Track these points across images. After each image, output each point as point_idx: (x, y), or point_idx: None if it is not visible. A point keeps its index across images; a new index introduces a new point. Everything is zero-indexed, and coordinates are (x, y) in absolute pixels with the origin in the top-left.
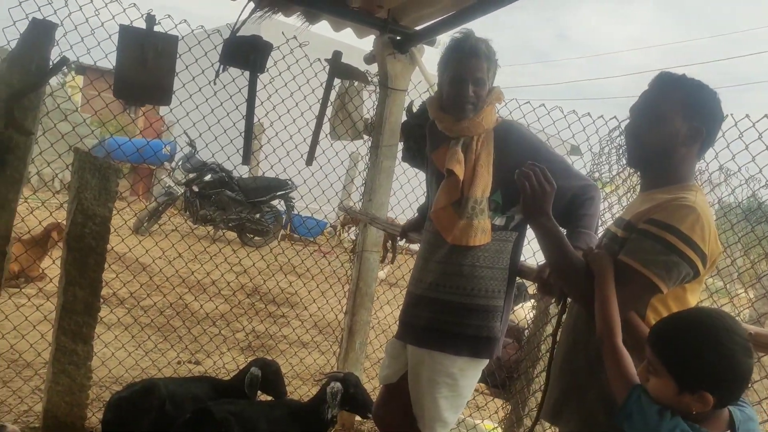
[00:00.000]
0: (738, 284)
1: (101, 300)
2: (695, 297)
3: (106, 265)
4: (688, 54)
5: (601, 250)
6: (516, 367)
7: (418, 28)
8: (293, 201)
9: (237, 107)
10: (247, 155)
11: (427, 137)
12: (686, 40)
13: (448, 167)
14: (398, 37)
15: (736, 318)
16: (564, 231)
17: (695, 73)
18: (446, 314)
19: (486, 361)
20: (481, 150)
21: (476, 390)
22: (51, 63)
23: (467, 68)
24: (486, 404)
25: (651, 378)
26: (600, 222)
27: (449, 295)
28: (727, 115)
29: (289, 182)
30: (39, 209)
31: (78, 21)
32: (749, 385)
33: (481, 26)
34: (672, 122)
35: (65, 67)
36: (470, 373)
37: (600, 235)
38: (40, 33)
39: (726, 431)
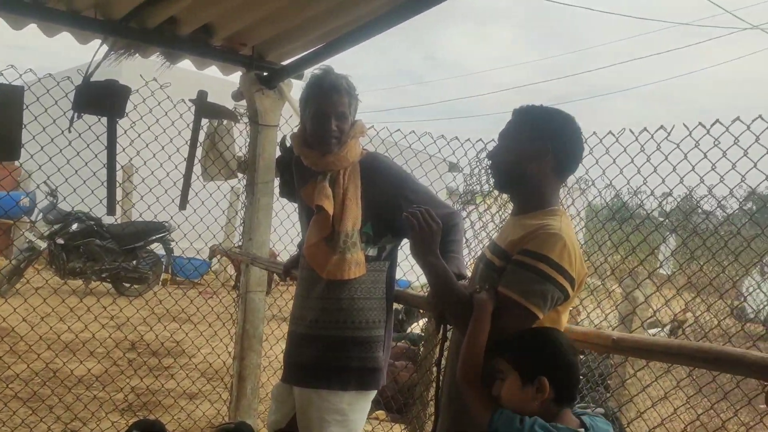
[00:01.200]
0: (612, 283)
1: None
2: (566, 316)
3: None
4: (549, 70)
5: (485, 284)
6: (411, 392)
7: (284, 63)
8: (172, 243)
9: (96, 155)
10: (112, 205)
11: (294, 173)
12: (546, 57)
13: (317, 203)
14: (265, 73)
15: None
16: None
17: (557, 86)
18: (330, 350)
19: (374, 393)
20: (348, 183)
21: (376, 418)
22: None
23: (329, 103)
24: None
25: (502, 386)
26: (476, 241)
27: (331, 330)
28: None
29: (167, 224)
30: None
31: None
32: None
33: (350, 52)
34: (518, 143)
35: None
36: (359, 406)
37: (476, 257)
38: None
39: (579, 429)
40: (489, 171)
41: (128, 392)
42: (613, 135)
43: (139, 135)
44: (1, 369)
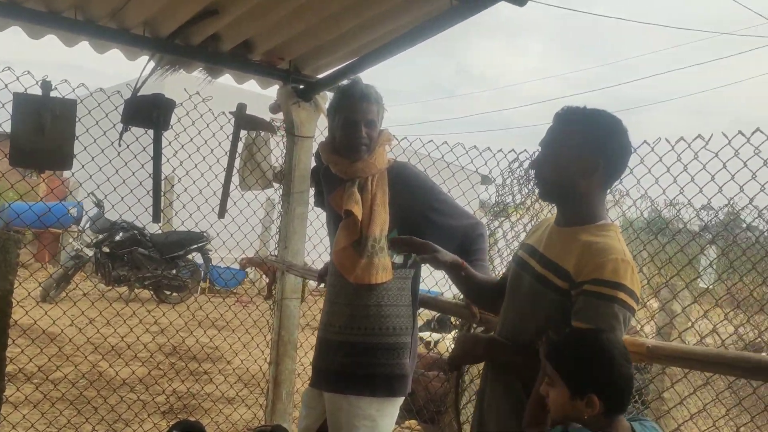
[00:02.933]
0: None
1: (5, 379)
2: None
3: (9, 341)
4: (583, 82)
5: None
6: (443, 401)
7: (320, 76)
8: (210, 253)
9: (143, 166)
10: (157, 213)
11: (322, 182)
12: (580, 69)
13: (346, 208)
14: (301, 86)
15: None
16: None
17: (590, 99)
18: (358, 356)
19: (401, 399)
20: (376, 190)
21: (408, 428)
22: None
23: (359, 111)
24: None
25: (550, 391)
26: (509, 251)
27: (359, 337)
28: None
29: (205, 234)
30: None
31: None
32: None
33: (381, 66)
34: (566, 155)
35: None
36: (388, 412)
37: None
38: None
39: None
40: (534, 181)
41: (169, 395)
42: (648, 145)
43: (183, 146)
44: (49, 371)
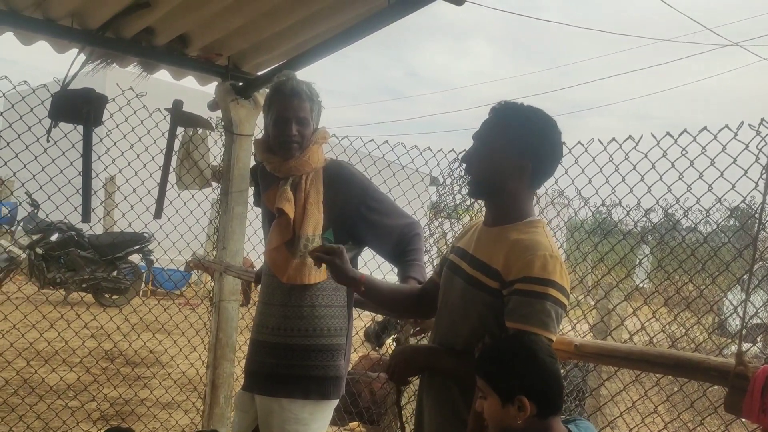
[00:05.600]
0: (581, 294)
1: None
2: None
3: None
4: (528, 85)
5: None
6: (385, 402)
7: (259, 73)
8: (152, 254)
9: (71, 163)
10: (87, 212)
11: (258, 180)
12: (524, 73)
13: (278, 206)
14: (240, 83)
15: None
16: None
17: (534, 103)
18: (291, 358)
19: (335, 402)
20: (310, 188)
21: (350, 429)
22: None
23: (290, 108)
24: None
25: (484, 404)
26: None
27: (292, 339)
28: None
29: (146, 235)
30: None
31: None
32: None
33: (332, 69)
34: (497, 155)
35: None
36: (321, 415)
37: (440, 263)
38: None
39: None
40: (465, 176)
41: (101, 401)
42: (582, 145)
43: (115, 143)
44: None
